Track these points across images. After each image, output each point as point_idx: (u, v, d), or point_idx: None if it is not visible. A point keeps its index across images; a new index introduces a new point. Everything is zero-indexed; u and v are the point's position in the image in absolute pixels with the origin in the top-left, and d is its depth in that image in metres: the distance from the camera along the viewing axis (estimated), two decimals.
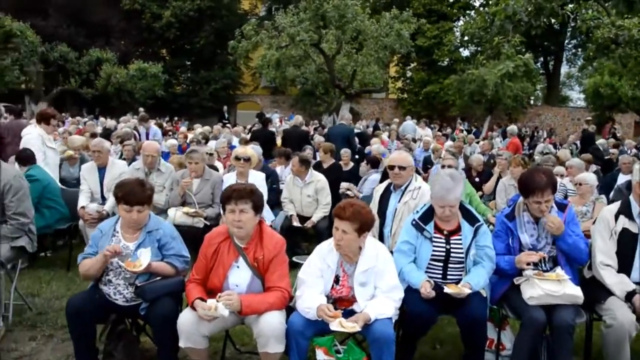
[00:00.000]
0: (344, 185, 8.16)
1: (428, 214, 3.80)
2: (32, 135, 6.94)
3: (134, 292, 3.56)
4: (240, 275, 3.50)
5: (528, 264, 3.62)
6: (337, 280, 3.51)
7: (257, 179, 6.32)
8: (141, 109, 25.67)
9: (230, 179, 6.38)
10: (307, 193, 6.94)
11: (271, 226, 6.42)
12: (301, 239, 7.21)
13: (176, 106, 34.48)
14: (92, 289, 3.70)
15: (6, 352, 4.04)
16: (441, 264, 3.73)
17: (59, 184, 6.65)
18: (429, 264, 3.73)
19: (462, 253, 3.70)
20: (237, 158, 6.32)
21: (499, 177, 7.98)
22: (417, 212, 3.87)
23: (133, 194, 3.56)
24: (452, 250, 3.72)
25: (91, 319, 3.57)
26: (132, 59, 28.74)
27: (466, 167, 9.31)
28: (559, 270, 3.59)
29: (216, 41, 33.43)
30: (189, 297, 3.41)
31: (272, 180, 7.43)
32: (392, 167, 4.73)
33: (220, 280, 3.49)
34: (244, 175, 6.31)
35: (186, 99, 35.26)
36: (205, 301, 3.28)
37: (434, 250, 3.72)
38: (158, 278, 3.60)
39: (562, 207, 3.81)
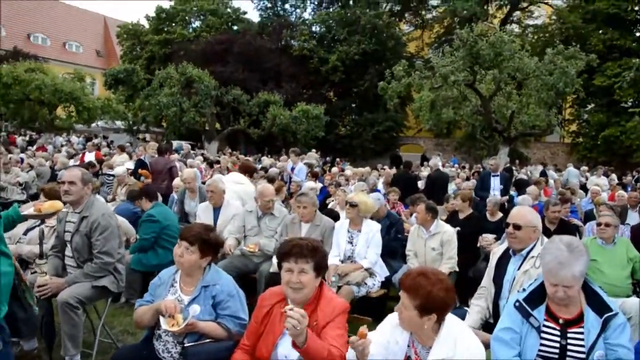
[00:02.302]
0: (487, 237, 7.11)
1: (539, 294, 2.90)
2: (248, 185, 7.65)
3: (179, 353, 3.18)
4: (291, 346, 2.90)
5: None
6: None
7: (371, 229, 5.69)
8: (313, 151, 26.69)
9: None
10: (431, 245, 6.14)
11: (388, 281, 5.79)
12: None
13: (339, 147, 35.26)
14: (144, 342, 3.41)
15: None
16: None
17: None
18: None
19: (583, 353, 2.74)
20: (347, 204, 5.77)
21: None
22: (524, 289, 2.97)
23: (189, 229, 3.30)
24: (569, 347, 2.77)
25: None
26: (298, 101, 29.88)
27: None
28: None
29: None
30: None
31: (397, 229, 6.79)
32: (507, 225, 3.83)
33: (268, 350, 2.98)
34: (356, 223, 5.72)
35: (349, 141, 35.87)
36: None
37: (542, 345, 2.81)
38: (208, 340, 3.18)
39: None
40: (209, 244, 3.33)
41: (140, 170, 10.73)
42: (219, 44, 35.64)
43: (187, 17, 42.77)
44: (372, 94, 34.68)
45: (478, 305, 3.99)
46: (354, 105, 38.23)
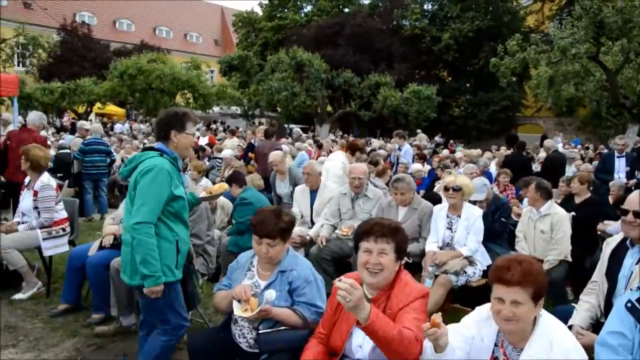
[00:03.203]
0: (609, 224, 6.40)
1: None
2: (335, 162, 7.32)
3: (254, 339, 3.09)
4: (366, 335, 2.66)
5: None
6: None
7: (472, 214, 5.30)
8: (419, 131, 26.09)
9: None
10: (540, 228, 5.63)
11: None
12: None
13: (453, 128, 34.14)
14: (222, 326, 3.36)
15: None
16: None
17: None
18: None
19: None
20: (446, 188, 5.39)
21: None
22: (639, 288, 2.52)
23: (263, 224, 3.11)
24: None
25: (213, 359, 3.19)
26: (410, 82, 29.19)
27: None
28: None
29: None
30: (301, 358, 2.81)
31: (501, 213, 6.28)
32: (624, 212, 3.31)
33: (342, 339, 2.78)
34: (456, 208, 5.35)
35: (463, 121, 34.65)
36: None
37: None
38: (283, 328, 3.06)
39: None
40: (287, 230, 3.20)
41: (250, 154, 10.94)
42: (329, 27, 35.74)
43: (298, 2, 43.28)
44: (487, 73, 32.86)
45: (588, 302, 3.54)
46: (468, 84, 36.81)
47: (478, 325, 2.54)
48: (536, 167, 11.89)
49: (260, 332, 3.05)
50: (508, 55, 18.25)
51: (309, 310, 3.08)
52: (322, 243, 5.72)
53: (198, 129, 23.21)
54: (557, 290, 5.22)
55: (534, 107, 35.22)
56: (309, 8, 43.56)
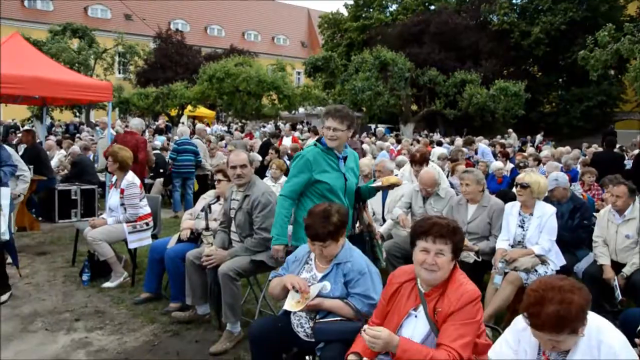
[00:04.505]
0: None
1: None
2: None
3: (311, 328, 3.20)
4: (416, 327, 2.78)
5: None
6: None
7: (545, 212, 5.15)
8: (510, 130, 25.32)
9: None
10: (624, 232, 5.37)
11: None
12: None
13: (544, 126, 32.80)
14: (282, 315, 3.48)
15: (234, 359, 4.22)
16: None
17: None
18: None
19: None
20: (515, 185, 5.29)
21: None
22: None
23: (312, 227, 3.21)
24: None
25: (272, 348, 3.35)
26: (498, 79, 28.37)
27: None
28: None
29: None
30: (353, 346, 2.87)
31: (583, 214, 6.01)
32: None
33: (392, 330, 2.79)
34: (527, 205, 5.22)
35: (554, 118, 33.28)
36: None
37: None
38: (339, 318, 3.16)
39: None
40: (337, 231, 3.25)
41: None
42: (415, 26, 35.45)
43: (384, 2, 43.19)
44: (581, 67, 31.54)
45: None
46: (560, 80, 35.20)
47: (517, 337, 2.49)
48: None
49: (316, 321, 3.17)
50: (599, 47, 17.29)
51: (362, 303, 3.16)
52: (402, 223, 5.85)
53: (282, 129, 23.81)
54: None
55: (634, 102, 33.12)
56: (394, 7, 43.42)
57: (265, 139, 16.92)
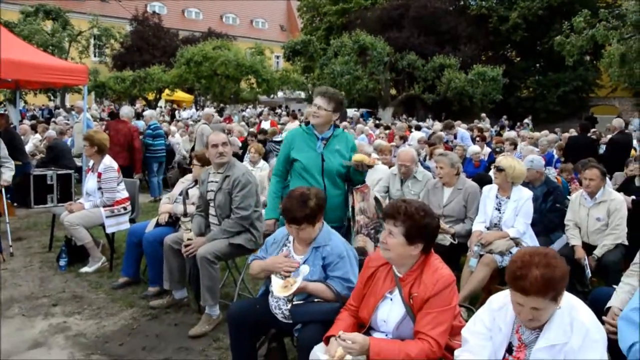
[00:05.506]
0: None
1: None
2: None
3: (289, 310, 3.24)
4: (391, 311, 2.83)
5: None
6: (509, 349, 2.47)
7: (521, 196, 5.23)
8: (483, 115, 25.53)
9: None
10: (595, 215, 5.49)
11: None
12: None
13: (521, 110, 33.16)
14: (260, 297, 3.54)
15: (213, 341, 4.22)
16: None
17: None
18: None
19: None
20: (495, 168, 5.37)
21: None
22: None
23: (290, 210, 3.23)
24: None
25: (250, 330, 3.40)
26: (476, 64, 28.52)
27: None
28: None
29: None
30: (332, 328, 2.91)
31: (556, 197, 6.12)
32: None
33: (369, 312, 2.89)
34: (504, 189, 5.30)
35: (531, 103, 33.54)
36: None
37: None
38: (317, 300, 3.20)
39: None
40: (314, 215, 3.26)
41: None
42: (394, 10, 35.33)
43: None
44: (558, 52, 31.86)
45: (629, 284, 3.47)
46: (538, 65, 35.51)
47: (492, 316, 2.51)
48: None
49: (294, 303, 3.21)
50: (574, 32, 17.49)
51: (342, 285, 3.20)
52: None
53: (261, 113, 23.69)
54: (612, 274, 5.10)
55: (609, 87, 33.58)
56: None
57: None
